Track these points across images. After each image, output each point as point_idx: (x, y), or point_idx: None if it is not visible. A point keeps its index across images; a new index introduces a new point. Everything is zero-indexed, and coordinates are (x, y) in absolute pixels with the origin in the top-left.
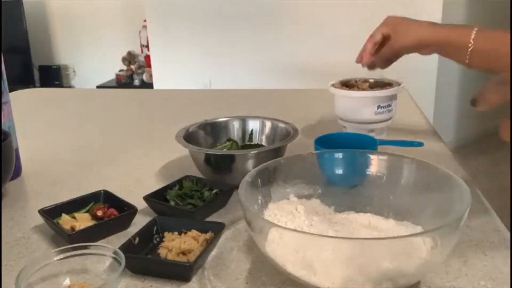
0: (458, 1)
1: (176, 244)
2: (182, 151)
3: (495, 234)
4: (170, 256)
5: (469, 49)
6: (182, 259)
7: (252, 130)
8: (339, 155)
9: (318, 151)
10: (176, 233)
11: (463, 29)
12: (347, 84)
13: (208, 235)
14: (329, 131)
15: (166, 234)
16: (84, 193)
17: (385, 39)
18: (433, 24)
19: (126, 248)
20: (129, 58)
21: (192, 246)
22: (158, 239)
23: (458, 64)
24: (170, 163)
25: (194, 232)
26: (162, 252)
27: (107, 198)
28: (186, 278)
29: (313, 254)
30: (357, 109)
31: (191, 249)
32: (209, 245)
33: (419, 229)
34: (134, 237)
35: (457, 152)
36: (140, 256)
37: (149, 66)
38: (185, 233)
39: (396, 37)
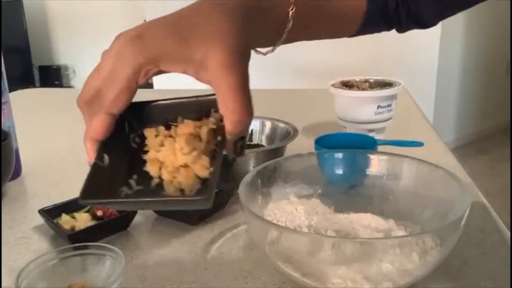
0: None
1: (168, 153)
2: None
3: (495, 234)
4: (167, 176)
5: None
6: (186, 178)
7: (252, 130)
8: (339, 155)
9: (318, 151)
10: (162, 127)
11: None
12: (347, 84)
13: (212, 118)
14: (329, 131)
15: (147, 132)
16: None
17: None
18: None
19: (92, 178)
20: None
21: (196, 155)
22: (138, 140)
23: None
24: None
25: (189, 124)
26: (152, 170)
27: None
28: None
29: (313, 254)
30: (357, 109)
31: (196, 159)
32: (221, 142)
33: (419, 229)
34: (100, 154)
35: (457, 152)
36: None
37: None
38: (176, 125)
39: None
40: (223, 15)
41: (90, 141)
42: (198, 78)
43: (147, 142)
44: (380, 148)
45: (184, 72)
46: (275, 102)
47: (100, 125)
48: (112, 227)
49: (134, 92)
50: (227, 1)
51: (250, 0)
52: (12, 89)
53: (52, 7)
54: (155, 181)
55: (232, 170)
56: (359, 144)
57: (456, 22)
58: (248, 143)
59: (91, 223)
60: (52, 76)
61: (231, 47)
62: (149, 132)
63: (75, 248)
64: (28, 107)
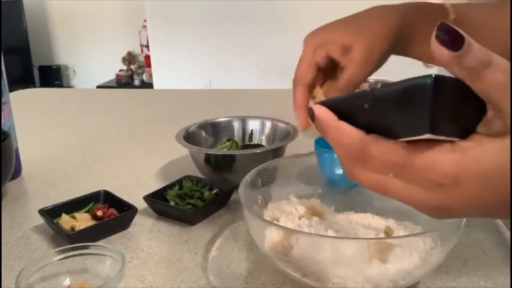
0: (458, 1)
1: None
2: (182, 151)
3: (495, 234)
4: None
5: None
6: None
7: (252, 130)
8: None
9: (318, 151)
10: None
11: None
12: None
13: None
14: None
15: None
16: (84, 193)
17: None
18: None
19: None
20: (129, 58)
21: None
22: None
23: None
24: (170, 163)
25: None
26: None
27: (107, 198)
28: None
29: (313, 254)
30: None
31: None
32: None
33: (419, 229)
34: None
35: None
36: None
37: (149, 66)
38: None
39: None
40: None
41: (299, 108)
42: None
43: None
44: None
45: (337, 55)
46: (275, 102)
47: (298, 95)
48: (112, 227)
49: (315, 69)
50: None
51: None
52: (12, 89)
53: (52, 7)
54: None
55: (232, 170)
56: None
57: None
58: (248, 143)
59: (91, 223)
60: (52, 76)
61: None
62: None
63: (75, 248)
64: (28, 107)
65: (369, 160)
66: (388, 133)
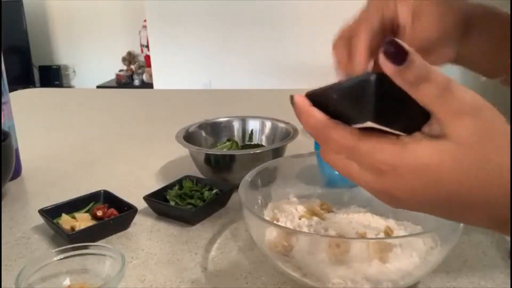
0: None
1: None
2: (182, 151)
3: (495, 234)
4: None
5: None
6: None
7: (252, 130)
8: None
9: (318, 151)
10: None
11: None
12: None
13: None
14: None
15: None
16: (84, 193)
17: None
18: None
19: None
20: (129, 58)
21: None
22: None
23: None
24: (170, 163)
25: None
26: None
27: (107, 198)
28: None
29: (313, 254)
30: None
31: None
32: None
33: (419, 229)
34: None
35: None
36: None
37: (149, 66)
38: None
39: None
40: None
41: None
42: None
43: None
44: None
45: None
46: (275, 102)
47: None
48: (112, 227)
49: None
50: None
51: None
52: (12, 89)
53: (52, 7)
54: None
55: (232, 170)
56: None
57: None
58: (248, 143)
59: (91, 223)
60: (52, 76)
61: None
62: None
63: (75, 248)
64: (28, 107)
65: (329, 141)
66: (347, 120)
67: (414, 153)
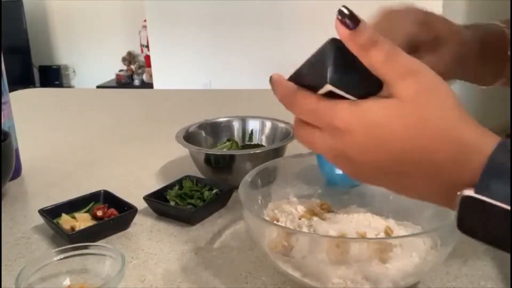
0: (459, 1)
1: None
2: (182, 151)
3: None
4: None
5: None
6: None
7: (252, 130)
8: None
9: None
10: None
11: None
12: None
13: None
14: None
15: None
16: (84, 193)
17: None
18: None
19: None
20: (129, 58)
21: None
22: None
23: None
24: (170, 163)
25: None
26: None
27: (107, 198)
28: None
29: (313, 254)
30: None
31: None
32: None
33: (419, 229)
34: None
35: None
36: None
37: (149, 66)
38: None
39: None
40: None
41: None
42: None
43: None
44: None
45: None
46: (275, 102)
47: None
48: (112, 227)
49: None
50: None
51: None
52: (12, 89)
53: (52, 7)
54: None
55: (232, 170)
56: None
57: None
58: (248, 143)
59: (91, 223)
60: (52, 76)
61: None
62: None
63: (75, 248)
64: (28, 107)
65: (295, 106)
66: (313, 88)
67: (365, 111)
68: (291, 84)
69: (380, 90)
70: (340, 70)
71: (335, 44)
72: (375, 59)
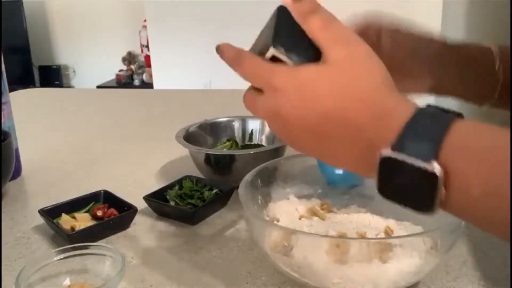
0: (459, 1)
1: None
2: (182, 151)
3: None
4: None
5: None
6: None
7: (252, 130)
8: None
9: None
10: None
11: None
12: None
13: None
14: None
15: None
16: (84, 193)
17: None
18: None
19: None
20: (129, 58)
21: None
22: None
23: None
24: (170, 163)
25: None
26: None
27: (107, 198)
28: None
29: (313, 254)
30: None
31: None
32: None
33: (419, 229)
34: None
35: None
36: None
37: (149, 66)
38: None
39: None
40: None
41: None
42: None
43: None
44: None
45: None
46: None
47: None
48: (112, 227)
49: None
50: None
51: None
52: (12, 89)
53: (52, 7)
54: None
55: (232, 170)
56: None
57: (456, 22)
58: (248, 143)
59: (91, 223)
60: (52, 76)
61: None
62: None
63: (75, 248)
64: (28, 107)
65: (240, 65)
66: (262, 55)
67: (299, 73)
68: (238, 47)
69: (320, 59)
70: (283, 35)
71: (283, 12)
72: (313, 26)
